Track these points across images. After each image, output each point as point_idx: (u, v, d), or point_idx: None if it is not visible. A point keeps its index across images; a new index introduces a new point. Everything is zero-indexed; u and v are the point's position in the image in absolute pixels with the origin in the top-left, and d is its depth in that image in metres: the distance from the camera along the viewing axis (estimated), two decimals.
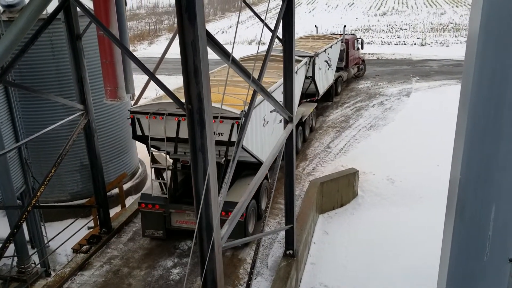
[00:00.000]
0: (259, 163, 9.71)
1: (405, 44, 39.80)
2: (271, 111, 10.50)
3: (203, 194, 4.99)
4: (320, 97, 18.76)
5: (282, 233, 10.17)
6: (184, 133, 9.08)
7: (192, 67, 4.54)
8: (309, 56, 16.72)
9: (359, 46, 26.09)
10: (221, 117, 8.83)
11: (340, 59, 23.29)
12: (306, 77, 16.64)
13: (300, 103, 16.16)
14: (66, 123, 9.58)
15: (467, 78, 2.33)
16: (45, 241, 10.92)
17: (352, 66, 25.78)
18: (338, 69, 23.10)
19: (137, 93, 9.20)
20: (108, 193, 11.11)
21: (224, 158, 9.24)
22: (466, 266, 2.58)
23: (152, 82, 17.01)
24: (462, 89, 2.44)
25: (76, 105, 9.35)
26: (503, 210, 2.42)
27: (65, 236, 10.54)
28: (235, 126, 8.91)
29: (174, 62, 30.31)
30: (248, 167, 10.83)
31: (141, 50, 41.34)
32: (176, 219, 10.07)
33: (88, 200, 11.38)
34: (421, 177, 13.89)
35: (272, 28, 7.27)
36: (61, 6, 8.27)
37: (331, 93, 21.98)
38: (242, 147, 9.26)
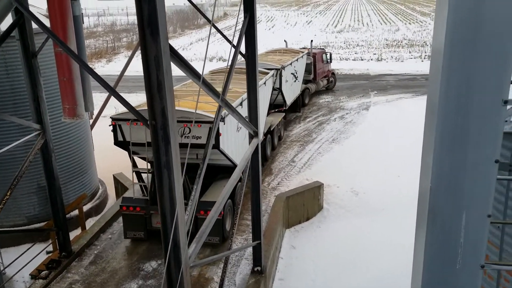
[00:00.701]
0: (233, 166, 10.35)
1: (362, 59, 40.89)
2: (246, 116, 10.84)
3: (169, 212, 4.86)
4: (287, 107, 19.61)
5: (250, 249, 10.06)
6: None
7: (155, 83, 4.45)
8: (276, 69, 17.69)
9: (328, 59, 26.95)
10: (199, 122, 9.59)
11: (308, 72, 24.38)
12: (274, 89, 17.52)
13: (268, 113, 16.74)
14: (22, 144, 9.18)
15: (434, 89, 2.37)
16: (1, 268, 10.34)
17: (321, 79, 26.66)
18: (306, 81, 24.32)
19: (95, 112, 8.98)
20: (67, 215, 10.70)
21: (201, 160, 9.41)
22: (439, 274, 2.59)
23: (111, 100, 16.58)
24: (428, 100, 2.47)
25: (32, 124, 8.99)
26: (473, 217, 2.45)
27: (22, 262, 10.01)
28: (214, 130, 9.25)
29: (133, 79, 29.89)
30: (223, 171, 11.32)
31: (99, 68, 40.56)
32: (156, 220, 10.38)
33: (46, 223, 10.89)
34: (383, 188, 14.16)
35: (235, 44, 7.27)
36: (15, 23, 7.98)
37: (298, 104, 22.83)
38: (219, 149, 10.00)
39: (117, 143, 10.52)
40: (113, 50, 51.23)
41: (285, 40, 31.41)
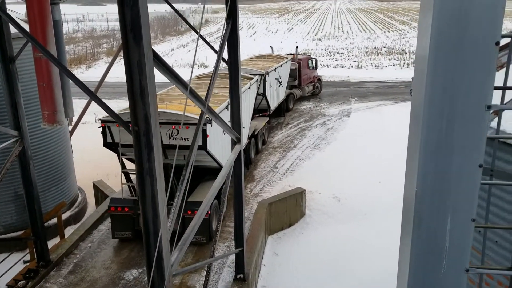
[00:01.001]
0: (219, 168, 10.59)
1: (342, 67, 41.33)
2: (229, 121, 10.99)
3: (151, 219, 4.79)
4: (271, 112, 19.97)
5: (232, 257, 9.99)
6: None
7: (138, 88, 4.39)
8: (260, 74, 18.11)
9: (314, 65, 27.41)
10: (187, 124, 9.97)
11: (293, 77, 24.97)
12: (258, 94, 17.73)
13: (253, 118, 17.15)
14: None
15: (419, 95, 2.39)
16: None
17: (307, 84, 27.06)
18: (291, 87, 24.96)
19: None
20: (46, 224, 10.45)
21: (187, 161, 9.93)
22: (425, 278, 2.60)
23: (90, 106, 16.32)
24: (413, 105, 2.49)
25: (9, 131, 8.79)
26: (458, 221, 2.47)
27: None
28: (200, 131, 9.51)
29: (114, 85, 29.61)
30: (210, 173, 11.65)
31: (79, 74, 40.03)
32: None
33: (24, 232, 10.64)
34: (365, 194, 14.27)
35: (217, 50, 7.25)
36: None
37: (283, 109, 23.32)
38: (206, 151, 10.31)
39: (106, 144, 10.71)
40: (93, 56, 50.67)
41: (271, 46, 31.83)
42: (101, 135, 10.60)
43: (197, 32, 8.41)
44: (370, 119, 22.71)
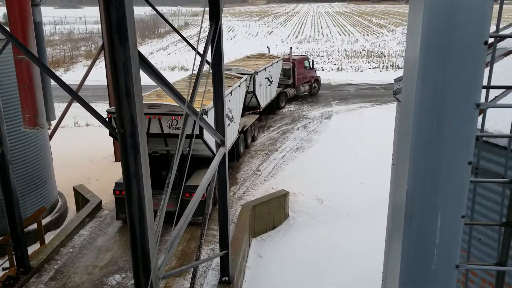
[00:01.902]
0: (213, 157, 11.31)
1: (323, 69, 41.63)
2: None
3: (138, 222, 4.74)
4: (261, 109, 21.10)
5: (217, 260, 9.96)
6: (154, 129, 11.12)
7: (124, 89, 4.35)
8: (249, 74, 19.11)
9: (310, 66, 28.28)
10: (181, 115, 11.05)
11: (287, 77, 26.12)
12: (248, 92, 18.98)
13: (243, 115, 18.45)
14: None
15: (409, 95, 2.43)
16: None
17: (303, 84, 27.91)
18: (286, 86, 26.18)
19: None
20: (25, 230, 10.23)
21: (188, 149, 10.78)
22: (416, 275, 2.63)
23: (70, 109, 16.05)
24: (403, 104, 2.53)
25: None
26: (448, 217, 2.51)
27: None
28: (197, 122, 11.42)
29: (93, 89, 29.21)
30: (204, 162, 12.50)
31: None
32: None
33: (3, 238, 10.38)
34: (347, 195, 14.39)
35: (201, 53, 7.23)
36: None
37: (274, 107, 24.40)
38: (202, 139, 11.47)
39: (112, 134, 11.34)
40: (71, 59, 49.95)
41: (267, 47, 32.72)
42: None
43: (180, 35, 8.39)
44: (351, 121, 22.93)
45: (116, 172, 15.95)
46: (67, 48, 54.91)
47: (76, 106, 19.72)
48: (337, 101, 28.06)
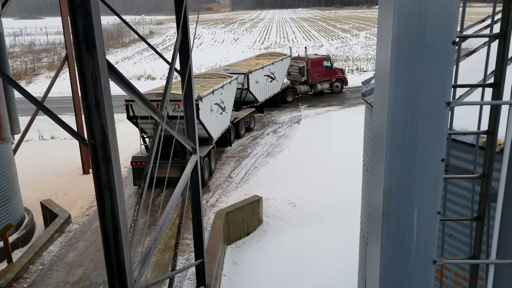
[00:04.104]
0: (208, 137, 16.41)
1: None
2: (215, 103, 17.13)
3: (112, 235, 4.63)
4: (259, 103, 24.02)
5: (192, 269, 9.85)
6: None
7: (93, 100, 4.26)
8: (242, 73, 22.04)
9: (331, 64, 30.44)
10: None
11: (302, 74, 29.12)
12: (243, 89, 22.23)
13: (240, 108, 22.41)
14: None
15: (382, 95, 2.48)
16: None
17: (321, 83, 30.03)
18: (300, 83, 29.24)
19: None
20: None
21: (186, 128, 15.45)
22: (395, 272, 2.67)
23: (34, 124, 15.54)
24: (376, 105, 2.58)
25: None
26: (424, 214, 2.56)
27: None
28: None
29: (56, 101, 28.52)
30: (201, 141, 14.88)
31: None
32: (158, 170, 13.59)
33: None
34: (319, 197, 14.52)
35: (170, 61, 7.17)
36: None
37: (278, 100, 27.42)
38: (198, 119, 14.21)
39: (128, 117, 15.13)
40: (33, 71, 48.64)
41: (290, 47, 35.42)
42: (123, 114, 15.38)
43: (149, 44, 8.30)
44: (320, 125, 23.21)
45: (84, 185, 15.59)
46: (29, 60, 53.43)
47: (40, 119, 19.22)
48: (305, 106, 28.34)
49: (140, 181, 13.03)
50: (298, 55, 31.84)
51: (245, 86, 22.32)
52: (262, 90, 24.27)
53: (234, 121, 20.41)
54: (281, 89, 27.13)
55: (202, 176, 15.05)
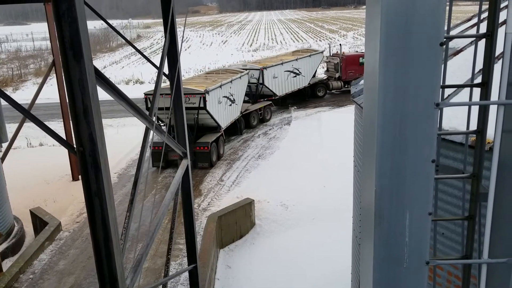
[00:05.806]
0: (217, 126, 18.72)
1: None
2: (223, 96, 19.34)
3: (103, 243, 4.58)
4: (277, 97, 25.89)
5: (185, 274, 9.79)
6: None
7: (81, 107, 4.21)
8: (256, 69, 24.22)
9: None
10: (194, 93, 17.38)
11: (336, 70, 30.64)
12: (259, 83, 24.37)
13: (257, 101, 24.56)
14: None
15: (371, 97, 2.49)
16: None
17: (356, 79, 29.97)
18: (334, 78, 30.66)
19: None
20: None
21: (196, 117, 17.48)
22: (389, 273, 2.67)
23: (22, 131, 15.37)
24: (366, 107, 2.58)
25: None
26: (415, 215, 2.56)
27: None
28: (201, 98, 17.30)
29: (44, 107, 28.25)
30: (209, 130, 18.59)
31: None
32: (171, 154, 16.33)
33: None
34: (311, 199, 14.53)
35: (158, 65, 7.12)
36: None
37: (306, 94, 29.29)
38: (206, 110, 17.69)
39: (147, 108, 16.83)
40: (20, 78, 48.17)
41: (340, 44, 36.44)
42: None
43: (136, 49, 8.25)
44: (310, 126, 23.25)
45: (74, 192, 15.45)
46: (15, 67, 52.91)
47: (28, 126, 19.00)
48: (295, 107, 28.39)
49: (158, 163, 16.91)
50: (337, 52, 32.57)
51: (261, 81, 24.28)
52: (281, 85, 25.94)
53: (245, 112, 22.18)
54: (309, 84, 28.51)
55: (211, 159, 17.43)
